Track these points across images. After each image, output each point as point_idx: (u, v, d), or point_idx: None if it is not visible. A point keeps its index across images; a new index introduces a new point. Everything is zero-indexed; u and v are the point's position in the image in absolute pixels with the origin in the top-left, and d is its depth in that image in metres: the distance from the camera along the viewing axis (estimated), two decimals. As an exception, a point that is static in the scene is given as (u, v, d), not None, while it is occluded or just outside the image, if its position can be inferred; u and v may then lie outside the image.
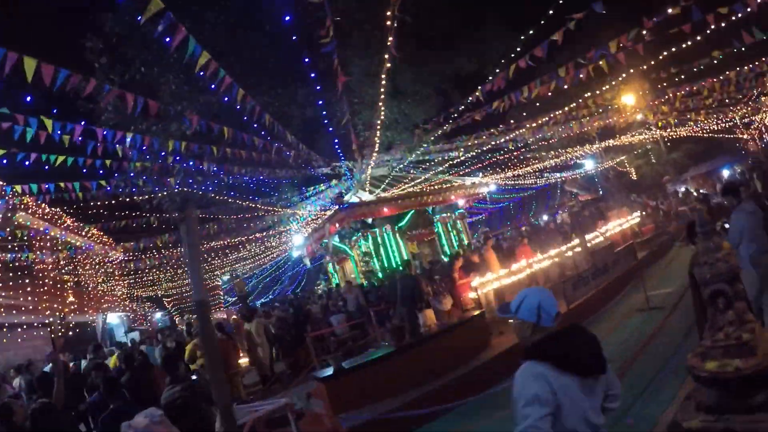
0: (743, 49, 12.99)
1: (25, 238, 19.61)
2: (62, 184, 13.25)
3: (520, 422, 2.79)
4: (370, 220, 23.66)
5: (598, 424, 2.98)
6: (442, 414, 8.20)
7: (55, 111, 9.88)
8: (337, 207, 22.98)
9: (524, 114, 21.94)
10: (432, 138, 21.62)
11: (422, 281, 13.71)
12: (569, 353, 2.95)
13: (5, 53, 6.03)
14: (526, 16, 14.48)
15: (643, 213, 25.49)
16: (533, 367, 2.93)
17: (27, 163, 10.62)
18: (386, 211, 23.40)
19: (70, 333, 22.81)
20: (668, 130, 29.40)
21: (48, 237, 22.20)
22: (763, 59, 16.83)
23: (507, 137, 22.03)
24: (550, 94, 13.82)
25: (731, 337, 4.41)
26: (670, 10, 10.05)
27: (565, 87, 13.66)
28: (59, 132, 9.67)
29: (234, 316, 27.56)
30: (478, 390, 7.69)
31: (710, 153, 35.05)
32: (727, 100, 22.83)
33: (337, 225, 23.80)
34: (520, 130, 20.69)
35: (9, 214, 17.91)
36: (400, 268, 18.68)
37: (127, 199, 17.65)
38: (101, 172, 13.39)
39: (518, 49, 12.88)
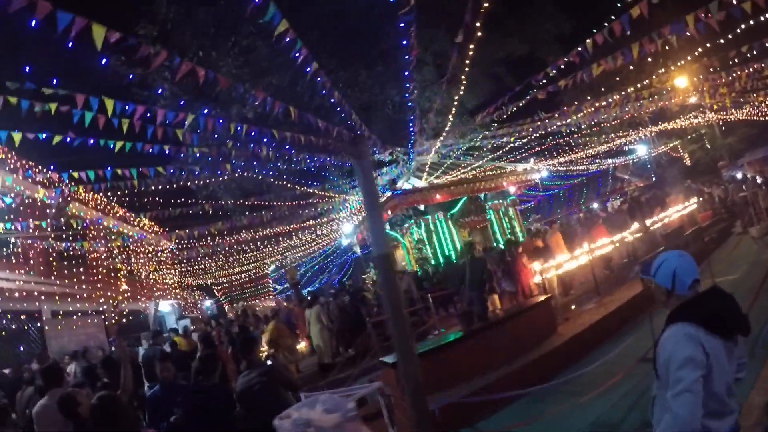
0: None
1: (79, 227, 19.36)
2: (119, 171, 13.05)
3: (674, 386, 2.82)
4: (422, 207, 23.57)
5: (733, 392, 3.00)
6: (517, 399, 8.07)
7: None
8: (390, 193, 22.82)
9: (575, 100, 21.60)
10: (486, 123, 21.38)
11: (490, 265, 13.56)
12: (718, 314, 2.96)
13: (73, 18, 5.82)
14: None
15: (700, 200, 24.96)
16: (684, 329, 2.94)
17: (81, 147, 10.62)
18: (439, 198, 23.22)
19: (124, 320, 23.18)
20: (723, 113, 28.61)
21: (101, 227, 22.41)
22: None
23: (561, 122, 21.67)
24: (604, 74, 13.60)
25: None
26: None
27: (630, 66, 13.35)
28: (117, 117, 9.63)
29: (285, 304, 27.69)
30: (550, 375, 7.58)
31: (766, 137, 33.94)
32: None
33: (389, 212, 23.67)
34: (578, 114, 20.31)
35: (63, 204, 18.13)
36: (456, 253, 18.59)
37: (181, 183, 17.57)
38: (152, 156, 13.42)
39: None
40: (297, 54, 7.72)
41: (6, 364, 14.27)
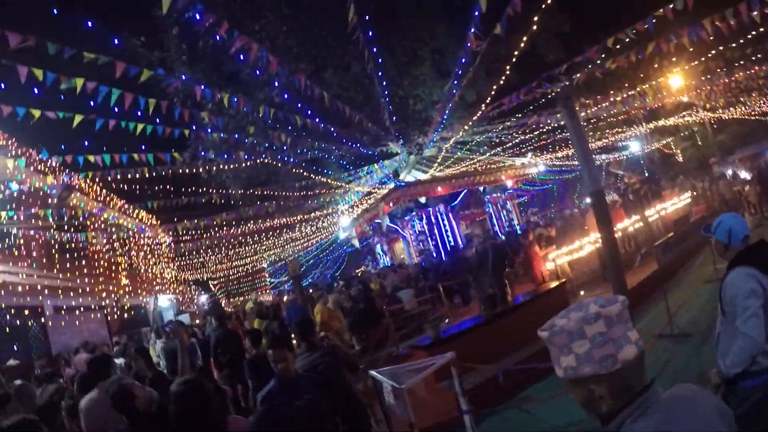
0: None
1: (81, 219, 19.14)
2: (135, 156, 12.95)
3: (742, 313, 3.54)
4: (423, 200, 23.88)
5: None
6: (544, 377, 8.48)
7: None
8: (393, 185, 23.14)
9: (575, 96, 21.98)
10: (486, 117, 21.71)
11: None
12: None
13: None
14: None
15: (694, 194, 25.52)
16: (744, 270, 3.66)
17: (85, 135, 10.45)
18: (440, 191, 23.59)
19: (126, 315, 22.81)
20: (716, 111, 29.30)
21: (102, 218, 21.57)
22: None
23: (558, 117, 22.07)
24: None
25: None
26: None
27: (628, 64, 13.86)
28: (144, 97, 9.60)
29: (285, 297, 27.80)
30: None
31: (757, 135, 34.70)
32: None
33: (391, 204, 23.98)
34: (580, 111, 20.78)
35: (66, 194, 17.81)
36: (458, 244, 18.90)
37: (193, 170, 17.38)
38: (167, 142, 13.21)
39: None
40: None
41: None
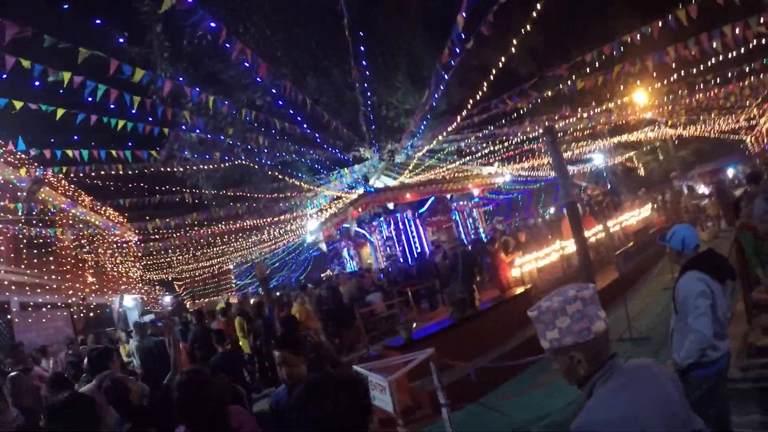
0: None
1: (50, 214, 18.99)
2: (113, 152, 12.85)
3: (693, 311, 4.16)
4: (391, 206, 24.18)
5: (728, 323, 4.50)
6: (520, 372, 8.95)
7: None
8: (363, 190, 23.42)
9: (542, 111, 22.54)
10: (456, 127, 22.12)
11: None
12: (716, 264, 4.38)
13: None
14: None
15: (654, 206, 26.25)
16: (695, 274, 4.28)
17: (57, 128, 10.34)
18: (408, 197, 23.94)
19: (91, 314, 22.29)
20: (677, 128, 30.31)
21: (71, 215, 21.73)
22: None
23: (527, 131, 22.63)
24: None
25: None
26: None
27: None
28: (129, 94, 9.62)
29: (252, 300, 27.82)
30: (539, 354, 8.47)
31: (716, 152, 36.09)
32: (738, 103, 23.67)
33: (360, 209, 24.26)
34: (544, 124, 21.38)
35: (36, 188, 17.45)
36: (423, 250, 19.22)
37: (167, 169, 17.29)
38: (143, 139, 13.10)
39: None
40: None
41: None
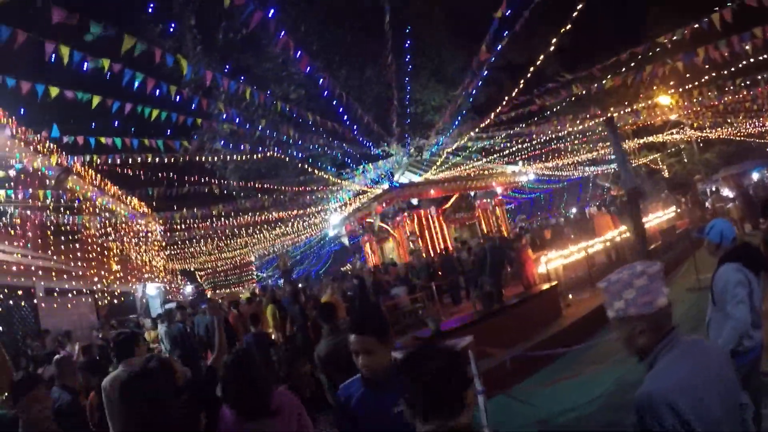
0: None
1: (76, 202, 19.20)
2: (146, 141, 12.72)
3: (732, 300, 4.35)
4: (415, 201, 24.28)
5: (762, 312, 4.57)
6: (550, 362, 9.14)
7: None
8: (388, 185, 23.54)
9: (567, 111, 22.57)
10: (481, 125, 22.18)
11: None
12: (752, 256, 4.63)
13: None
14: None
15: (678, 210, 26.28)
16: (732, 265, 4.50)
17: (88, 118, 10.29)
18: (433, 193, 24.07)
19: (115, 301, 22.65)
20: (702, 131, 30.25)
21: (97, 203, 21.60)
22: None
23: (553, 130, 22.67)
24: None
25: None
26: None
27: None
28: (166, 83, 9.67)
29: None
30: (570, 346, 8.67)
31: (741, 155, 35.64)
32: (765, 106, 23.53)
33: (384, 204, 24.42)
34: (570, 125, 21.47)
35: (64, 176, 17.64)
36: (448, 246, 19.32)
37: (197, 158, 17.34)
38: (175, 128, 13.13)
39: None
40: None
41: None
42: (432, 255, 22.42)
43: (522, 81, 15.21)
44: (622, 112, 20.73)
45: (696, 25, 10.77)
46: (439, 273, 18.71)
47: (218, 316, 5.78)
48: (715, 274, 4.64)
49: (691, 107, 22.86)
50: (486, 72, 16.33)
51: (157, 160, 15.27)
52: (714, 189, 30.06)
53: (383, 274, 19.10)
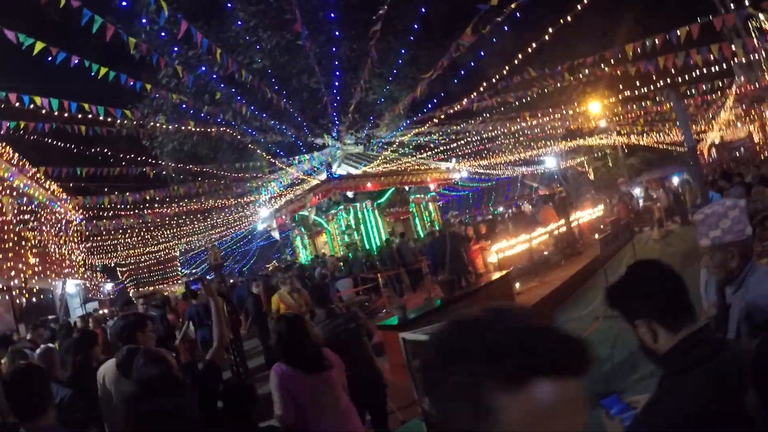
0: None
1: None
2: (86, 105, 11.68)
3: None
4: (351, 194, 24.05)
5: None
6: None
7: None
8: (326, 176, 23.20)
9: (502, 109, 22.89)
10: (417, 120, 22.25)
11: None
12: None
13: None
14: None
15: (604, 208, 27.22)
16: None
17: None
18: (369, 186, 23.94)
19: (33, 299, 20.22)
20: (629, 137, 31.69)
21: (13, 185, 19.28)
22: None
23: (486, 129, 23.00)
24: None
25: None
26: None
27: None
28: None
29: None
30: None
31: (662, 161, 38.04)
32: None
33: (320, 196, 24.09)
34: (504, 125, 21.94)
35: None
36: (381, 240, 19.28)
37: (133, 134, 16.39)
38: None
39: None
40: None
41: None
42: (369, 249, 22.34)
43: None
44: (556, 115, 21.35)
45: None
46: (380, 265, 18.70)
47: (215, 300, 5.12)
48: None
49: (615, 115, 24.02)
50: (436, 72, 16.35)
51: (90, 131, 13.80)
52: (645, 190, 31.53)
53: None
